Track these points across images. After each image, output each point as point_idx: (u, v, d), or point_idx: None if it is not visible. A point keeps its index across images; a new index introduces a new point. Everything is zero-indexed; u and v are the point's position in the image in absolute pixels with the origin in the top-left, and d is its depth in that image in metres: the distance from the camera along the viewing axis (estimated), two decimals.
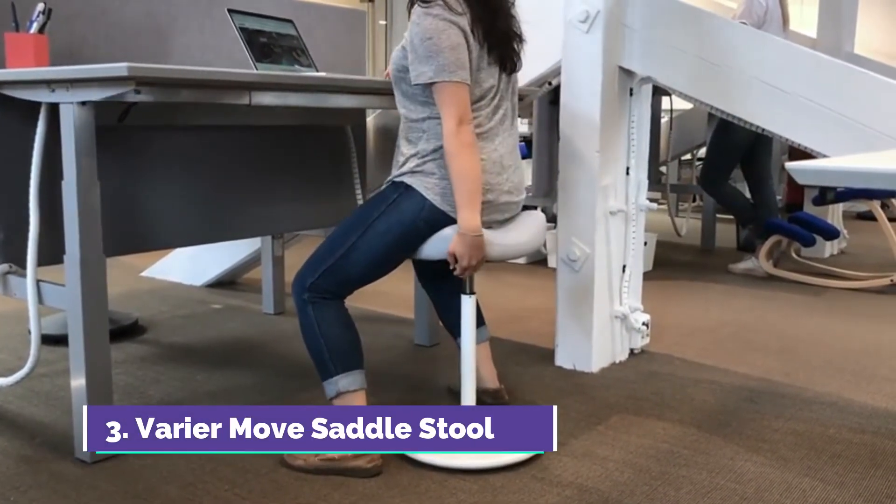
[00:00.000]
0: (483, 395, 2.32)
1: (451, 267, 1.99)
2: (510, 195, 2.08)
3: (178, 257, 4.09)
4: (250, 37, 2.36)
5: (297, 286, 2.02)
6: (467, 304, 2.10)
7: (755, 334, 3.23)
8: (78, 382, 1.97)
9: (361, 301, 3.69)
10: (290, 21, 2.55)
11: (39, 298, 2.09)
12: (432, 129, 1.99)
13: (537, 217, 2.21)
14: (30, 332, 2.13)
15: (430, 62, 1.90)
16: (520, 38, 2.12)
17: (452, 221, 1.99)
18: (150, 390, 2.53)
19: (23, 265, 2.13)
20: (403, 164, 2.03)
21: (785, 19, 4.27)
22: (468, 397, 2.11)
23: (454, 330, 2.38)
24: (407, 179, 2.01)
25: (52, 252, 2.18)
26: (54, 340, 2.86)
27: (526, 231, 2.14)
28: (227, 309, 3.57)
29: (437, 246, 2.00)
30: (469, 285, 2.11)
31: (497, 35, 2.02)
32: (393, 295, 3.56)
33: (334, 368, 1.99)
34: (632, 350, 2.90)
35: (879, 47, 6.95)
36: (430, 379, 2.65)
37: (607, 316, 2.76)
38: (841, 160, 0.99)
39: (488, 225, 2.03)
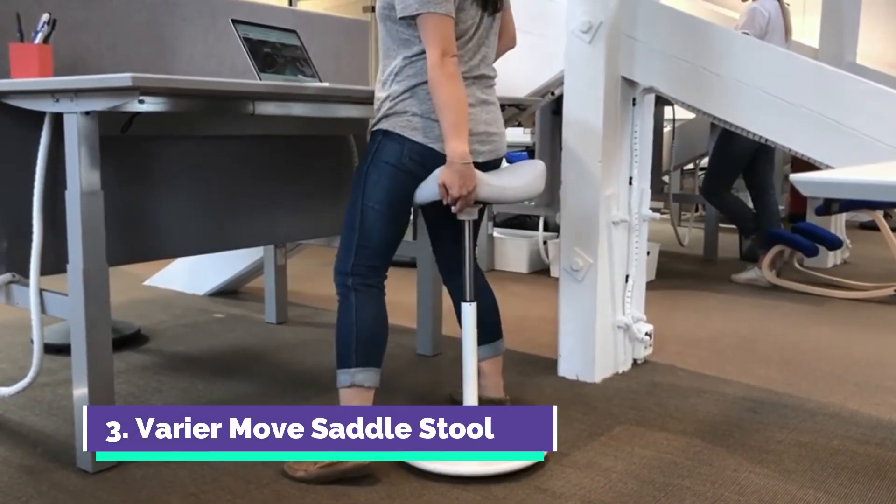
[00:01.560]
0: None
1: (444, 202, 2.00)
2: (488, 125, 2.12)
3: (180, 266, 4.09)
4: (254, 47, 2.36)
5: (339, 275, 2.07)
6: (467, 312, 2.11)
7: (758, 344, 3.22)
8: (80, 392, 1.96)
9: None
10: (293, 31, 2.55)
11: (42, 308, 2.09)
12: (404, 70, 2.03)
13: (535, 164, 2.21)
14: (32, 342, 2.13)
15: None
16: None
17: (436, 154, 2.01)
18: (152, 400, 2.52)
19: (26, 274, 2.14)
20: (378, 109, 2.08)
21: (787, 30, 4.28)
22: (471, 404, 2.11)
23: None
24: (383, 125, 2.05)
25: (55, 261, 2.18)
26: (56, 350, 2.86)
27: (521, 176, 2.15)
28: (230, 318, 3.57)
29: (432, 187, 2.01)
30: (469, 293, 2.11)
31: None
32: (395, 305, 3.54)
33: (356, 360, 2.02)
34: (634, 360, 2.90)
35: (882, 56, 6.96)
36: (432, 388, 2.65)
37: (610, 326, 2.76)
38: (845, 172, 0.99)
39: (474, 159, 2.05)
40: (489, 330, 2.32)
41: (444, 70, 1.93)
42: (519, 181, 2.13)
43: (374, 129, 2.08)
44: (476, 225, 2.25)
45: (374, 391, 2.05)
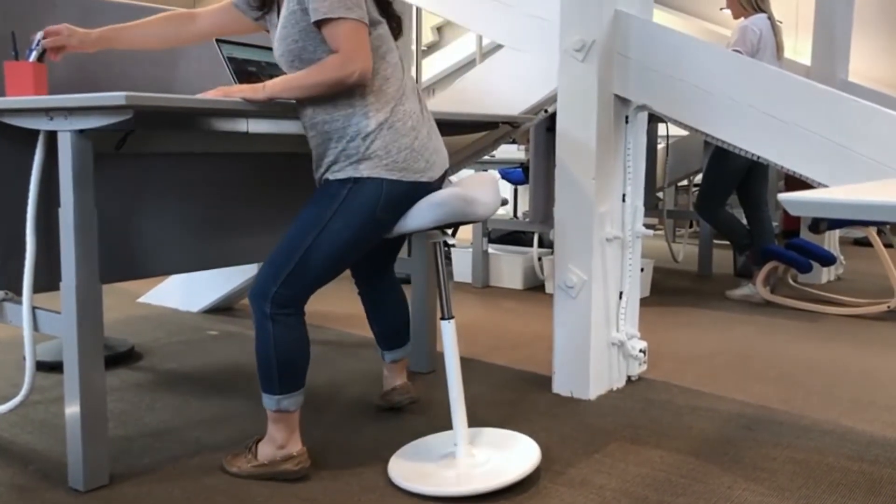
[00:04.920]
0: (393, 395, 2.52)
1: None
2: (444, 152, 2.14)
3: (174, 283, 4.09)
4: (239, 66, 2.38)
5: (258, 297, 1.98)
6: (447, 329, 2.11)
7: (753, 361, 3.23)
8: (72, 410, 1.96)
9: (359, 328, 3.69)
10: None
11: (35, 325, 2.09)
12: (365, 100, 1.96)
13: (487, 177, 2.22)
14: (25, 359, 2.13)
15: None
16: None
17: (413, 190, 2.00)
18: (146, 417, 2.51)
19: (19, 292, 2.13)
20: (337, 159, 1.97)
21: (779, 48, 4.31)
22: (459, 422, 2.11)
23: (383, 341, 2.53)
24: (354, 172, 1.95)
25: (48, 279, 2.19)
26: (49, 367, 2.85)
27: (489, 191, 2.15)
28: (223, 335, 3.56)
29: (430, 214, 1.99)
30: (447, 310, 2.11)
31: None
32: None
33: (279, 388, 2.02)
34: (629, 377, 2.89)
35: (874, 73, 7.01)
36: (427, 405, 2.64)
37: (604, 343, 2.76)
38: (834, 191, 0.99)
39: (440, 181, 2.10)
40: (404, 335, 2.52)
41: (345, 71, 1.86)
42: (492, 196, 2.15)
43: (343, 177, 1.97)
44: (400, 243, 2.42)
45: (300, 409, 2.08)
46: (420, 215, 2.01)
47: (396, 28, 2.10)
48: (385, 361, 2.55)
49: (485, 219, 2.13)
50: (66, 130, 1.90)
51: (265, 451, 2.07)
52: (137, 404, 2.64)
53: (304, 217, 2.00)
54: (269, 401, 2.03)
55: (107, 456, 2.02)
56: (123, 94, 1.69)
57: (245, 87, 1.95)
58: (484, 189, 2.15)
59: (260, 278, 1.99)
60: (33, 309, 2.09)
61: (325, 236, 1.97)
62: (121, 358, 3.13)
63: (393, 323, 2.50)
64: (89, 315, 1.95)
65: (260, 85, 1.93)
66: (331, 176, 1.99)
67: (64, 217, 1.92)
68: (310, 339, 2.06)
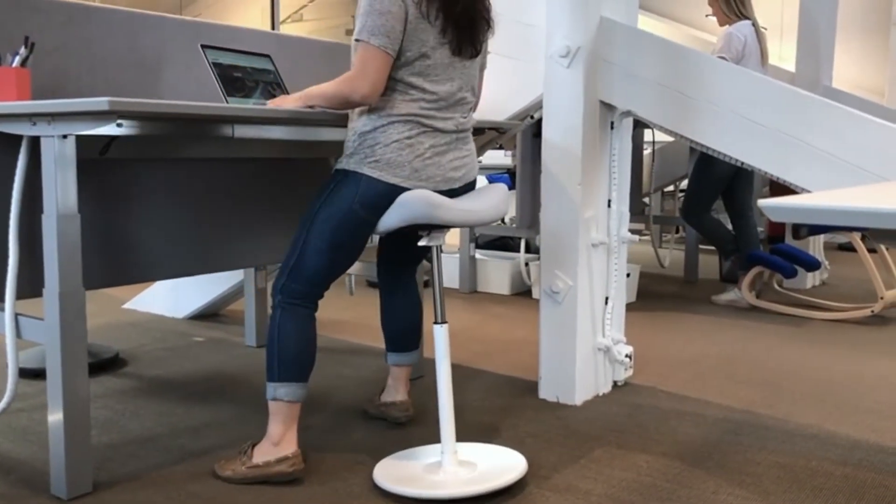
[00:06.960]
0: (391, 408, 2.49)
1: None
2: (455, 171, 2.15)
3: (160, 289, 4.07)
4: (224, 71, 2.38)
5: (274, 287, 2.13)
6: (440, 334, 2.10)
7: (738, 366, 3.24)
8: (55, 417, 1.94)
9: (350, 334, 3.68)
10: (266, 56, 2.56)
11: (18, 332, 2.07)
12: (378, 105, 2.05)
13: (498, 188, 2.23)
14: (7, 367, 2.11)
15: (361, 19, 1.98)
16: (487, 23, 2.15)
17: (394, 193, 2.04)
18: (130, 424, 2.50)
19: (1, 298, 2.12)
20: (344, 150, 2.12)
21: (763, 54, 4.34)
22: (447, 428, 2.10)
23: (390, 343, 2.50)
24: (345, 165, 2.08)
25: (31, 285, 2.17)
26: (33, 374, 2.83)
27: (485, 201, 2.16)
28: (209, 342, 3.55)
29: (396, 214, 2.04)
30: (441, 314, 2.11)
31: (454, 17, 2.05)
32: (378, 327, 3.53)
33: (278, 376, 2.07)
34: (615, 382, 2.90)
35: (857, 80, 7.07)
36: (417, 411, 2.63)
37: (590, 348, 2.76)
38: (815, 197, 1.00)
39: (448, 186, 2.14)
40: (413, 340, 2.50)
41: (353, 85, 1.97)
42: (482, 205, 2.15)
43: (339, 167, 2.11)
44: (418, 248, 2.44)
45: (299, 405, 2.10)
46: (389, 215, 2.07)
47: (462, 49, 2.09)
48: (388, 364, 2.52)
49: (458, 225, 2.12)
50: (49, 136, 1.89)
51: (261, 449, 2.09)
52: (121, 411, 2.62)
53: (307, 210, 2.13)
54: (268, 389, 2.08)
55: (90, 463, 2.01)
56: (107, 99, 1.68)
57: (289, 98, 2.14)
58: (479, 197, 2.15)
59: (277, 274, 2.13)
60: (16, 315, 2.08)
61: (314, 226, 2.08)
62: (105, 364, 3.11)
63: (402, 323, 2.48)
64: (73, 321, 1.93)
65: (300, 94, 2.11)
66: (337, 166, 2.13)
67: (47, 223, 1.91)
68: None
